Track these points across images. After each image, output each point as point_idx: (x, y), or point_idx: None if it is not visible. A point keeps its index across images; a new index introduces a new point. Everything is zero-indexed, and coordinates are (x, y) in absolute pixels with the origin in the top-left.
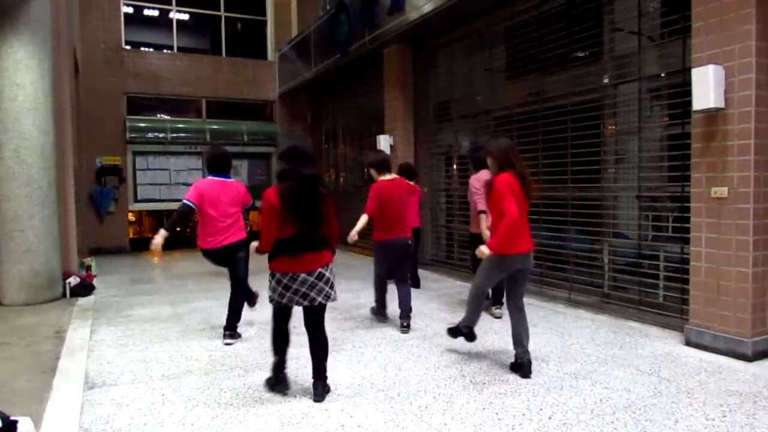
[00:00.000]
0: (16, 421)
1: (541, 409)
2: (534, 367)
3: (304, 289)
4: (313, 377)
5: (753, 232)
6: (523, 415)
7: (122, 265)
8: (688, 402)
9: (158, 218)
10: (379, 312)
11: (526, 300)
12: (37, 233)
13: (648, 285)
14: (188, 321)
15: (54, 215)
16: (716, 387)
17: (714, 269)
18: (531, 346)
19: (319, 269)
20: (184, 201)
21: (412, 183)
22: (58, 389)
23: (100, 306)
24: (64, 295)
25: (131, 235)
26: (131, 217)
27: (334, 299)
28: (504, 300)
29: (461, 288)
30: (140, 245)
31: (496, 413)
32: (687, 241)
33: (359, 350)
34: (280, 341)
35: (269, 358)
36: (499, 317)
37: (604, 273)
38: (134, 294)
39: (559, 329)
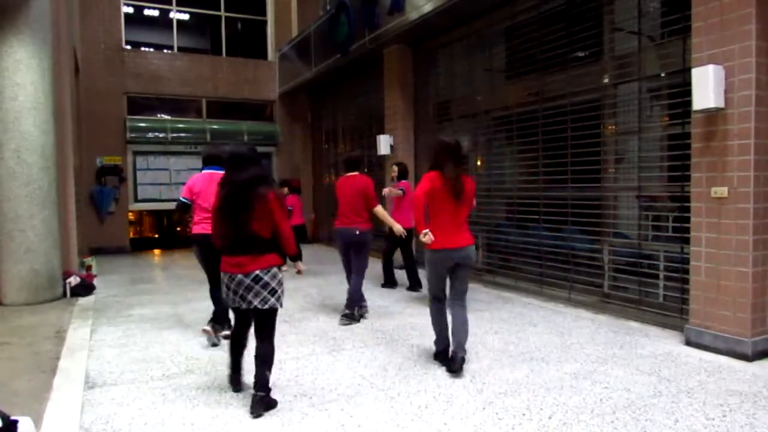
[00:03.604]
0: (16, 421)
1: (541, 409)
2: (534, 366)
3: (241, 291)
4: (253, 386)
5: (753, 232)
6: (523, 415)
7: (123, 265)
8: (688, 402)
9: (158, 218)
10: (360, 307)
11: (526, 299)
12: (37, 233)
13: (648, 285)
14: (188, 321)
15: (54, 215)
16: (716, 387)
17: (714, 269)
18: (531, 346)
19: (256, 272)
20: (179, 198)
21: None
22: (58, 389)
23: (101, 306)
24: (64, 295)
25: (131, 235)
26: (131, 217)
27: (274, 306)
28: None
29: None
30: (140, 245)
31: (496, 413)
32: (687, 241)
33: (359, 350)
34: (235, 345)
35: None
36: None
37: (604, 273)
38: (135, 294)
39: (559, 329)
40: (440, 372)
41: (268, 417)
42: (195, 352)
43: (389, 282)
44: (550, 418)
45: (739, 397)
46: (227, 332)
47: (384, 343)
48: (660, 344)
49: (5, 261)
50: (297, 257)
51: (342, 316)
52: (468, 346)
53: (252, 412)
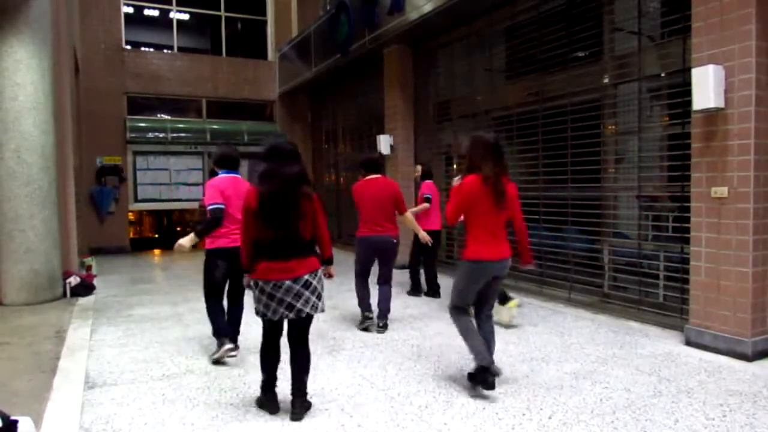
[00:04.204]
0: (16, 421)
1: (541, 409)
2: (534, 366)
3: (289, 299)
4: (292, 393)
5: (753, 232)
6: (523, 415)
7: (122, 265)
8: (688, 402)
9: (158, 218)
10: (363, 313)
11: (526, 299)
12: (37, 233)
13: (648, 285)
14: (188, 321)
15: (54, 215)
16: (716, 387)
17: (714, 269)
18: (531, 346)
19: (306, 276)
20: (212, 207)
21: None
22: (58, 389)
23: (101, 306)
24: (64, 294)
25: (131, 235)
26: (131, 217)
27: (322, 310)
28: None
29: None
30: (140, 245)
31: (496, 413)
32: (687, 241)
33: (359, 350)
34: (270, 359)
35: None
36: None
37: (604, 273)
38: (135, 294)
39: (559, 329)
40: (440, 372)
41: (268, 417)
42: (195, 352)
43: (416, 289)
44: (550, 418)
45: (739, 397)
46: (231, 346)
47: (384, 342)
48: (660, 344)
49: (5, 261)
50: (331, 261)
51: (381, 326)
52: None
53: (296, 418)
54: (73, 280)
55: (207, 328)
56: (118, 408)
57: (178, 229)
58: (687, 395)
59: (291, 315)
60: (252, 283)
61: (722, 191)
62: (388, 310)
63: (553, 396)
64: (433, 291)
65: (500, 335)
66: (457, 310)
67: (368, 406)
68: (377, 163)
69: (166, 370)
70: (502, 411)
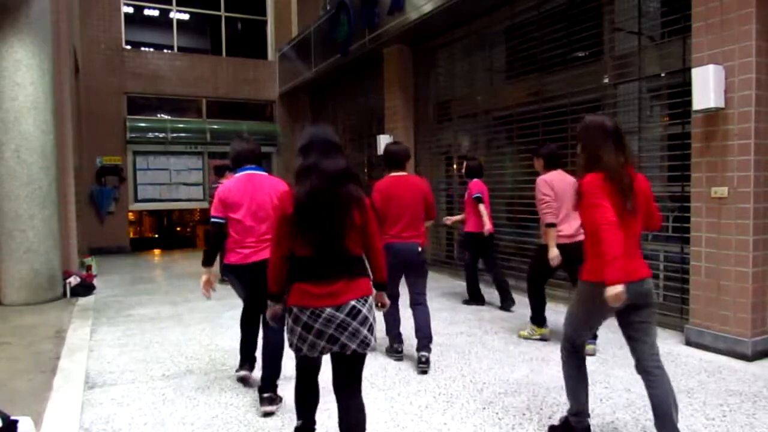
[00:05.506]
0: (16, 421)
1: (541, 409)
2: (534, 366)
3: (330, 331)
4: None
5: (753, 232)
6: (523, 415)
7: (122, 264)
8: (688, 402)
9: (158, 218)
10: (392, 345)
11: (526, 299)
12: (37, 233)
13: None
14: (189, 321)
15: (54, 215)
16: (716, 387)
17: (714, 269)
18: (531, 346)
19: (353, 302)
20: (212, 219)
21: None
22: (58, 389)
23: (101, 306)
24: (64, 294)
25: (131, 235)
26: (131, 216)
27: (374, 348)
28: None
29: (461, 288)
30: (140, 245)
31: (496, 413)
32: (687, 241)
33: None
34: (305, 401)
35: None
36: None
37: None
38: (135, 294)
39: (559, 329)
40: (440, 372)
41: (269, 417)
42: (195, 352)
43: (475, 298)
44: (550, 418)
45: (739, 397)
46: (245, 372)
47: (384, 343)
48: (660, 344)
49: (5, 261)
50: (385, 286)
51: (423, 362)
52: (468, 346)
53: None
54: (73, 280)
55: (207, 327)
56: (118, 408)
57: (178, 229)
58: (687, 395)
59: (335, 348)
60: (286, 310)
61: (722, 191)
62: (430, 339)
63: (553, 396)
64: (476, 299)
65: (500, 335)
66: (568, 349)
67: (368, 406)
68: (401, 157)
69: (166, 370)
70: (502, 411)
